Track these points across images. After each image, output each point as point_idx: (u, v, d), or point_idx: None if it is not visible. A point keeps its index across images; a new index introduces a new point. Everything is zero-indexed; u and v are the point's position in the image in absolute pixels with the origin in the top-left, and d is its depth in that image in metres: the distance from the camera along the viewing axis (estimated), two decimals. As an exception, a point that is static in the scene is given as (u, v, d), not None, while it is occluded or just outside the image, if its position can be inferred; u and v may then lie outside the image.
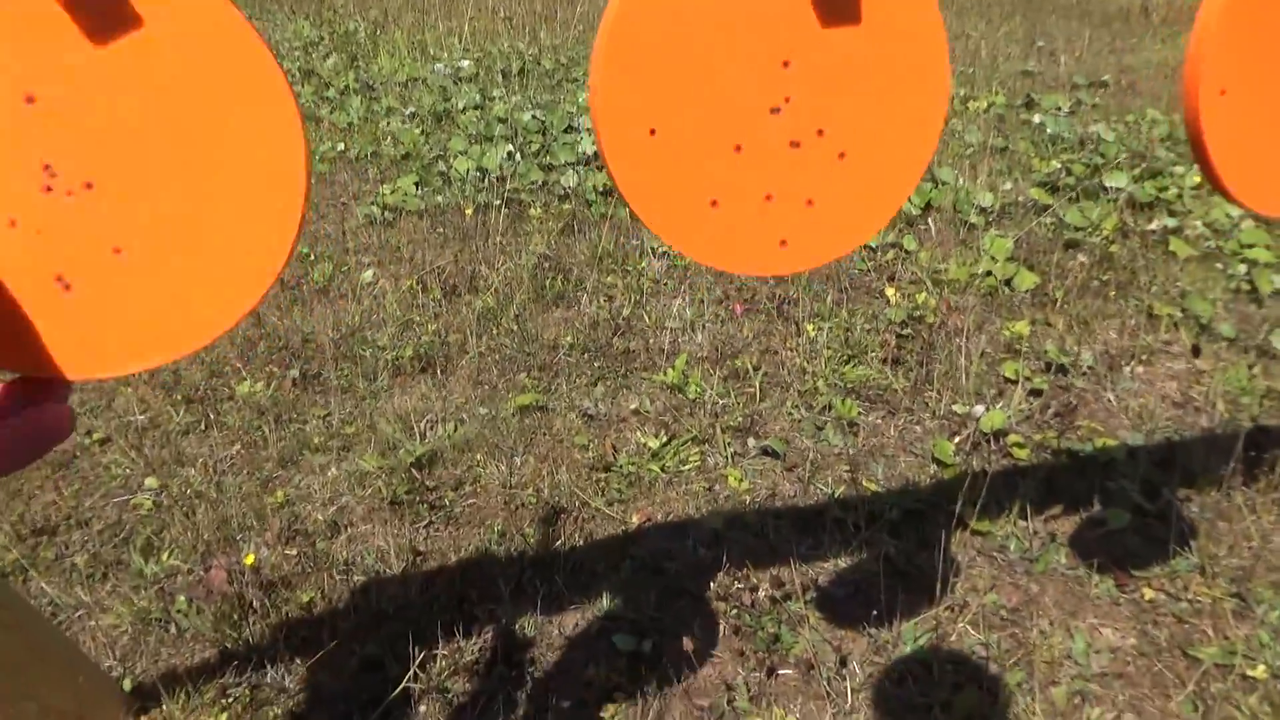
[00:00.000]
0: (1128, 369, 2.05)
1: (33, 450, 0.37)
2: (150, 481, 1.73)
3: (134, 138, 0.42)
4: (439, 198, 3.12)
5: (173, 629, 1.41)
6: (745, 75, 0.67)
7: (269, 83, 0.45)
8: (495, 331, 2.28)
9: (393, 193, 3.14)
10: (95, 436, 1.87)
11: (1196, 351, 2.02)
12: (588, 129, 3.69)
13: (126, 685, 1.30)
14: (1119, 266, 2.51)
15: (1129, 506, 1.60)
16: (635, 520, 1.62)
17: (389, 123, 3.92)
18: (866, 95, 0.70)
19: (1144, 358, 2.09)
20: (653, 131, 0.67)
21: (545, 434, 1.87)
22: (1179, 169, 3.11)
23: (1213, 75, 0.69)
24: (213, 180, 0.43)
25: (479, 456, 1.79)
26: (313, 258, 2.72)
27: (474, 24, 5.65)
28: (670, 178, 0.69)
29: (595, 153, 3.42)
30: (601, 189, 3.14)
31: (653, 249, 2.69)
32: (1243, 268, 2.45)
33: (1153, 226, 2.71)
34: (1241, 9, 0.68)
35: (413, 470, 1.75)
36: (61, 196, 0.40)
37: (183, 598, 1.45)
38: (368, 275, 2.57)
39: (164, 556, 1.55)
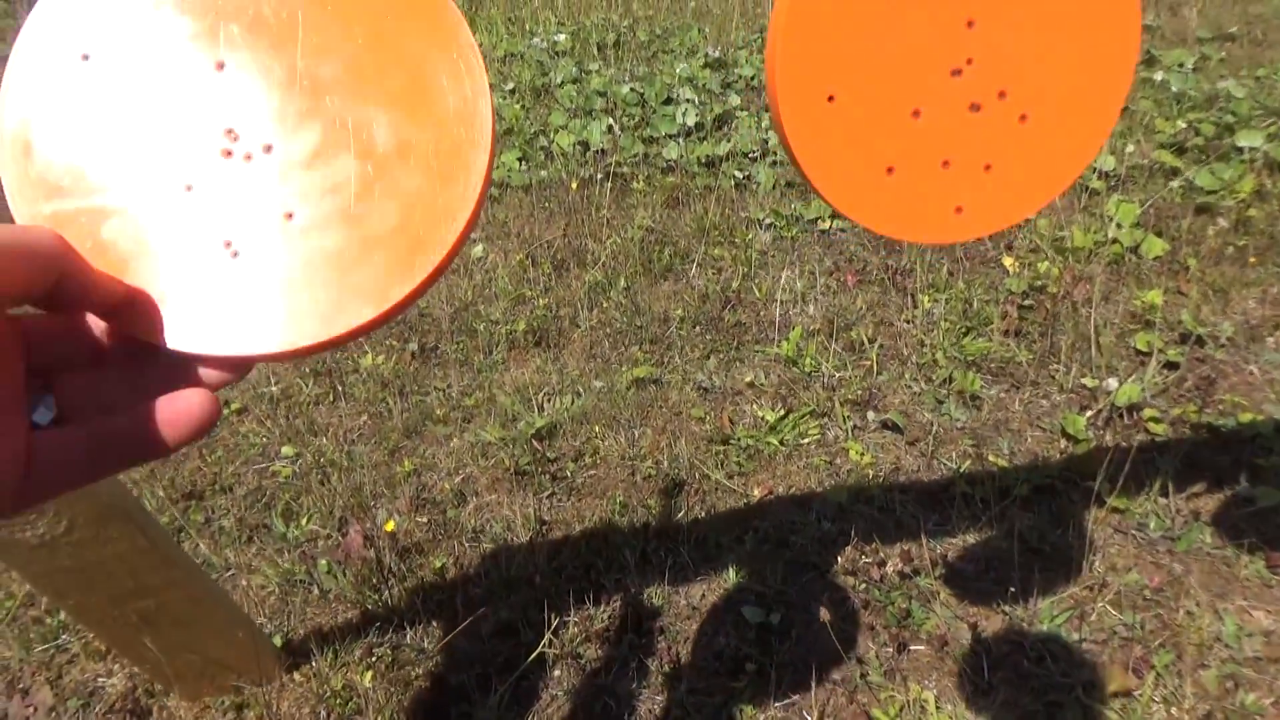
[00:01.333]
0: (1271, 340, 1.95)
1: (178, 437, 0.34)
2: (286, 450, 1.80)
3: (316, 97, 0.40)
4: (543, 172, 3.14)
5: (316, 590, 1.48)
6: (928, 37, 0.65)
7: (458, 42, 0.42)
8: (605, 305, 2.30)
9: (497, 169, 3.18)
10: (233, 407, 1.95)
11: None
12: (687, 100, 3.66)
13: (277, 642, 1.37)
14: (1257, 231, 2.38)
15: (1279, 484, 1.52)
16: (757, 493, 1.62)
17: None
18: (1051, 54, 0.67)
19: (1288, 328, 1.98)
20: (831, 98, 0.66)
21: (661, 407, 1.88)
22: (1320, 127, 2.91)
23: None
24: (395, 145, 0.40)
25: (597, 429, 1.81)
26: (424, 234, 2.78)
27: (569, -3, 5.65)
28: (848, 145, 0.67)
29: (696, 124, 3.40)
30: (704, 160, 3.11)
31: (759, 220, 2.66)
32: (1396, 231, 2.29)
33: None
34: None
35: (533, 442, 1.78)
36: (240, 161, 0.39)
37: (324, 561, 1.51)
38: (478, 250, 2.62)
39: (303, 521, 1.62)
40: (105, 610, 1.13)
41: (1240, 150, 2.83)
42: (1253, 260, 2.22)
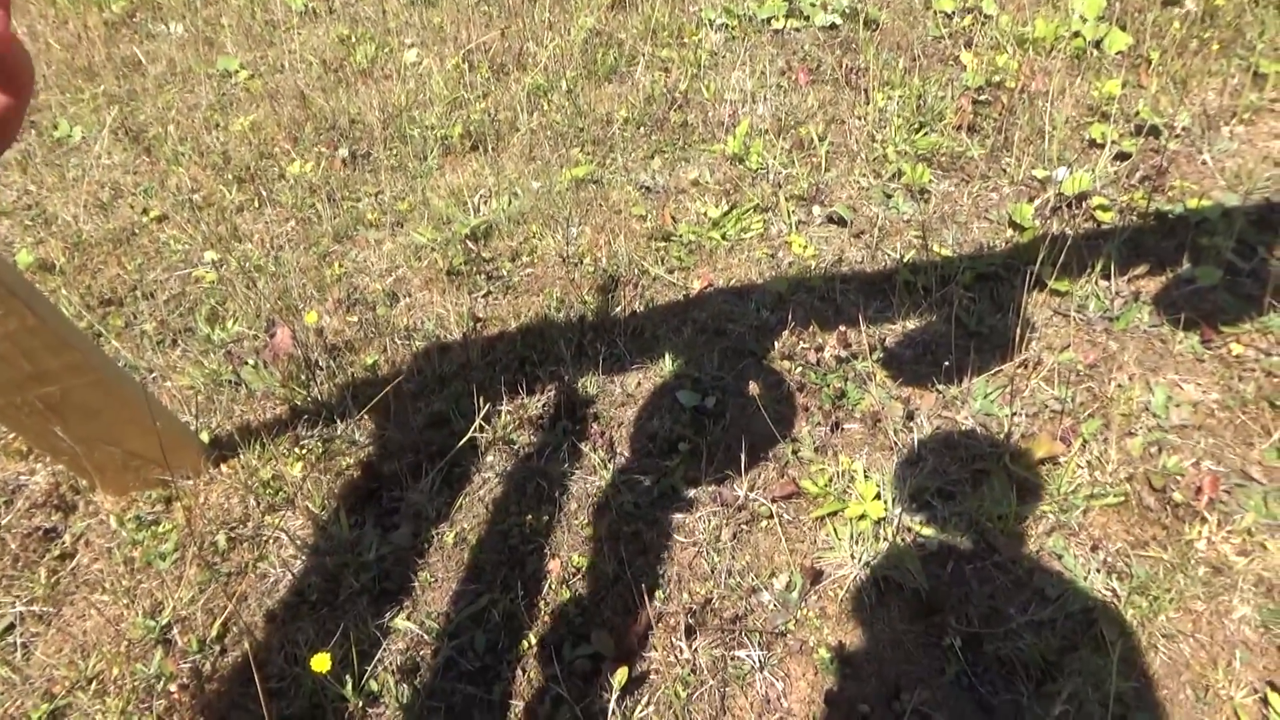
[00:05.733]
0: (1226, 129, 1.89)
1: None
2: (209, 255, 1.73)
3: None
4: (482, -26, 2.93)
5: (243, 389, 1.44)
6: None
7: None
8: (546, 108, 2.18)
9: (433, -30, 2.96)
10: (152, 214, 1.86)
11: None
12: (637, -104, 3.39)
13: (204, 437, 1.34)
14: (1223, 24, 2.28)
15: (1220, 264, 1.51)
16: (696, 286, 1.58)
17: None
18: None
19: (1246, 117, 1.92)
20: None
21: (601, 205, 1.81)
22: (1300, -84, 2.76)
23: None
24: None
25: (534, 228, 1.75)
26: (353, 39, 2.61)
27: None
28: None
29: (646, -79, 3.16)
30: (654, -41, 2.91)
31: (710, 20, 2.52)
32: (1365, 20, 2.21)
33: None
34: None
35: (468, 242, 1.71)
36: None
37: (251, 361, 1.47)
38: (411, 55, 2.46)
39: (229, 324, 1.57)
40: (6, 398, 1.08)
41: (1215, -59, 2.69)
42: (1216, 48, 2.14)
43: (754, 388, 1.30)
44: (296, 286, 1.63)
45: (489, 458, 1.30)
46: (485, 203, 1.84)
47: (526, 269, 1.66)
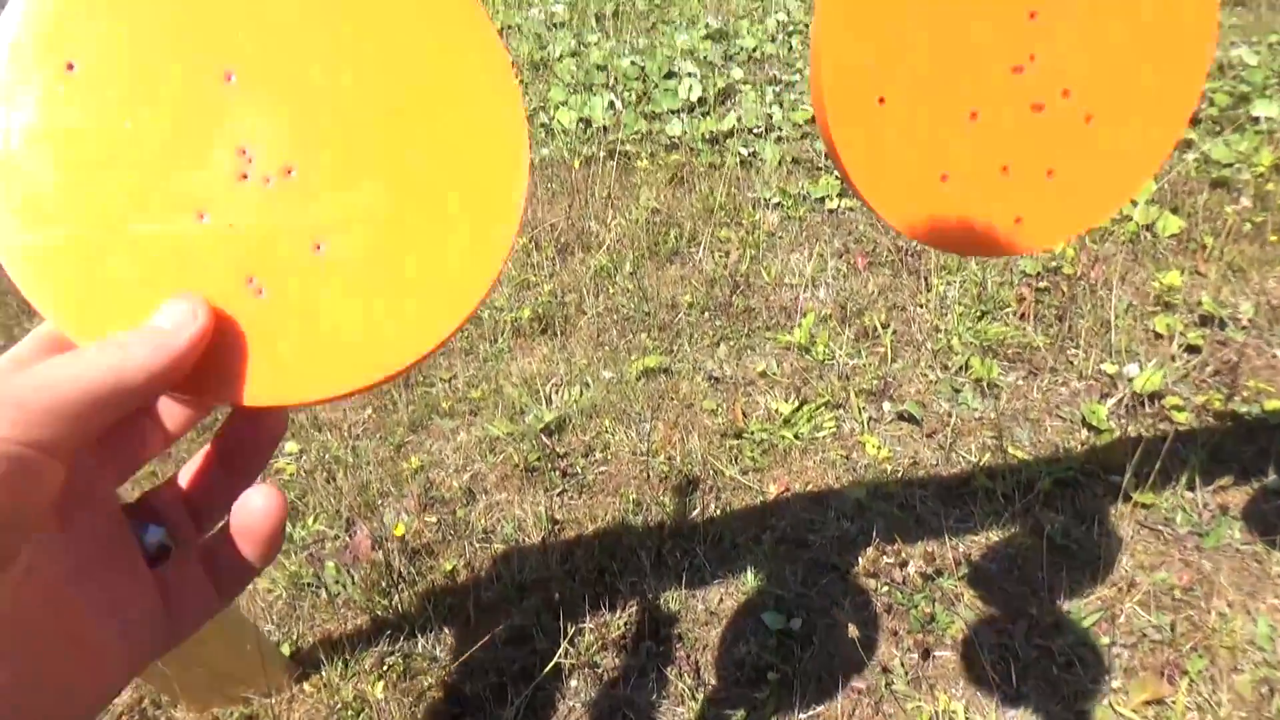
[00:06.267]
0: (1294, 322, 1.91)
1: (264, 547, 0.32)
2: (290, 446, 1.76)
3: (338, 113, 0.36)
4: (545, 150, 3.08)
5: (324, 594, 1.44)
6: (987, 31, 0.59)
7: (486, 46, 0.38)
8: (611, 290, 2.25)
9: (497, 146, 3.11)
10: (233, 403, 1.91)
11: None
12: (689, 73, 3.58)
13: (285, 650, 1.34)
14: (1276, 207, 2.33)
15: (1308, 476, 1.49)
16: (772, 490, 1.58)
17: (487, 73, 3.87)
18: (1119, 50, 0.61)
19: (1311, 310, 1.94)
20: (882, 100, 0.60)
21: (672, 398, 1.84)
22: (1338, 96, 2.85)
23: None
24: (424, 163, 0.37)
25: (607, 422, 1.77)
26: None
27: (564, -35, 5.53)
28: (899, 151, 0.62)
29: (699, 99, 3.33)
30: (708, 136, 3.05)
31: (765, 200, 2.61)
32: None
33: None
34: None
35: (542, 436, 1.74)
36: (258, 184, 0.34)
37: (332, 564, 1.48)
38: (479, 233, 2.56)
39: (309, 522, 1.58)
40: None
41: (1256, 120, 2.78)
42: (1273, 239, 2.17)
43: (852, 629, 1.29)
44: (375, 481, 1.66)
45: (573, 682, 1.28)
46: (557, 392, 1.88)
47: (600, 466, 1.67)
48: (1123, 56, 0.62)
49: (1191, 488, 1.50)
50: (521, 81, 3.75)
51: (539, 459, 1.68)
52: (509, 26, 4.53)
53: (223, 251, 0.34)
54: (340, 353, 0.35)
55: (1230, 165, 2.54)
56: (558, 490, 1.63)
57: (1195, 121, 2.87)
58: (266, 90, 0.35)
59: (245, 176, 0.34)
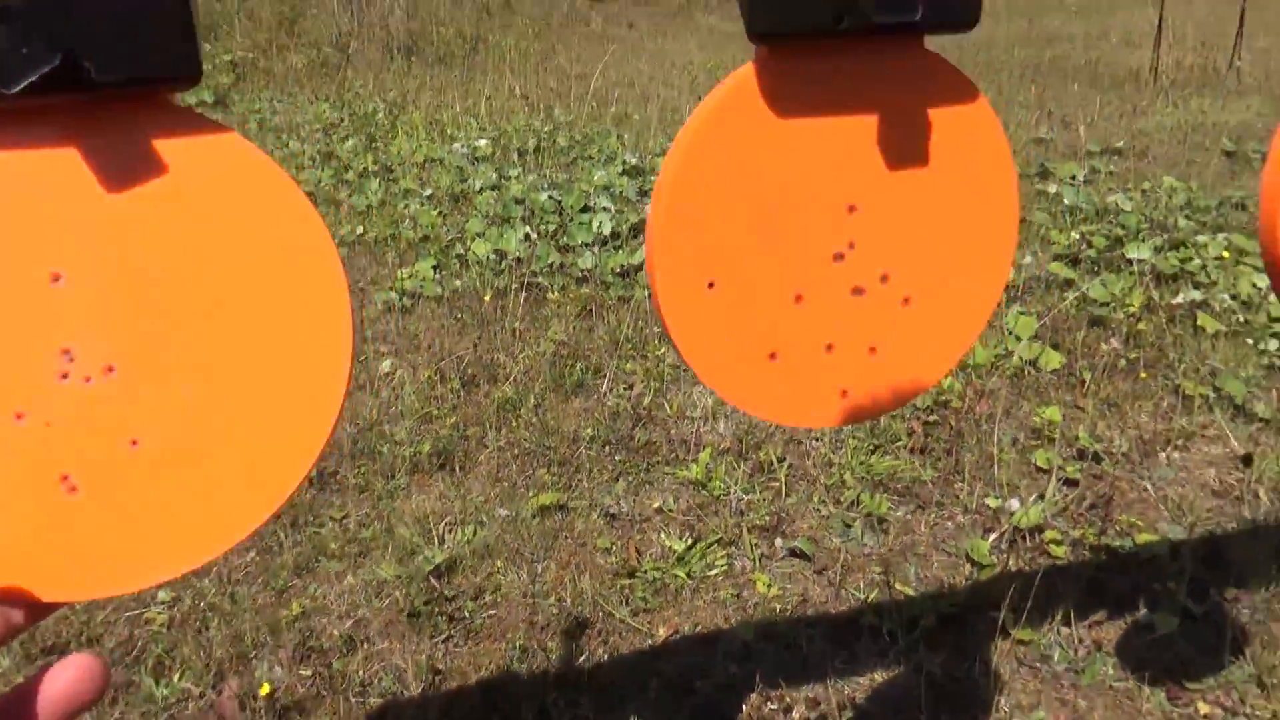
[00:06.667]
0: (1163, 455, 1.99)
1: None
2: (163, 594, 1.69)
3: (161, 310, 0.37)
4: (457, 282, 3.12)
5: (184, 759, 1.36)
6: (809, 222, 0.64)
7: (310, 237, 0.40)
8: (515, 424, 2.25)
9: (410, 277, 3.15)
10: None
11: (1248, 461, 1.95)
12: (604, 208, 3.70)
13: (135, 825, 1.25)
14: (1147, 344, 2.47)
15: (1176, 609, 1.53)
16: (662, 632, 1.56)
17: (407, 205, 3.95)
18: (932, 238, 0.66)
19: (1179, 443, 2.03)
20: (711, 284, 0.64)
21: (567, 537, 1.83)
22: (1201, 238, 3.07)
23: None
24: (245, 356, 0.38)
25: (499, 563, 1.75)
26: (331, 348, 2.71)
27: (490, 102, 5.74)
28: (729, 332, 0.65)
29: (613, 233, 3.43)
30: (619, 270, 3.13)
31: (671, 333, 2.67)
32: (1274, 343, 2.39)
33: (1179, 300, 2.67)
34: None
35: (431, 579, 1.70)
36: (79, 383, 0.35)
37: (195, 725, 1.40)
38: (385, 365, 2.56)
39: (175, 678, 1.51)
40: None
41: (1130, 262, 2.97)
42: (1143, 375, 2.30)
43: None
44: (251, 630, 1.59)
45: None
46: (451, 532, 1.85)
47: (489, 610, 1.64)
48: (936, 245, 0.67)
49: (1068, 623, 1.53)
50: (441, 213, 3.83)
51: (426, 603, 1.64)
52: (432, 159, 4.65)
53: (37, 451, 0.35)
54: (147, 547, 0.36)
55: (1106, 304, 2.69)
56: (443, 636, 1.58)
57: (1076, 262, 3.06)
58: (94, 291, 0.36)
59: (66, 376, 0.35)
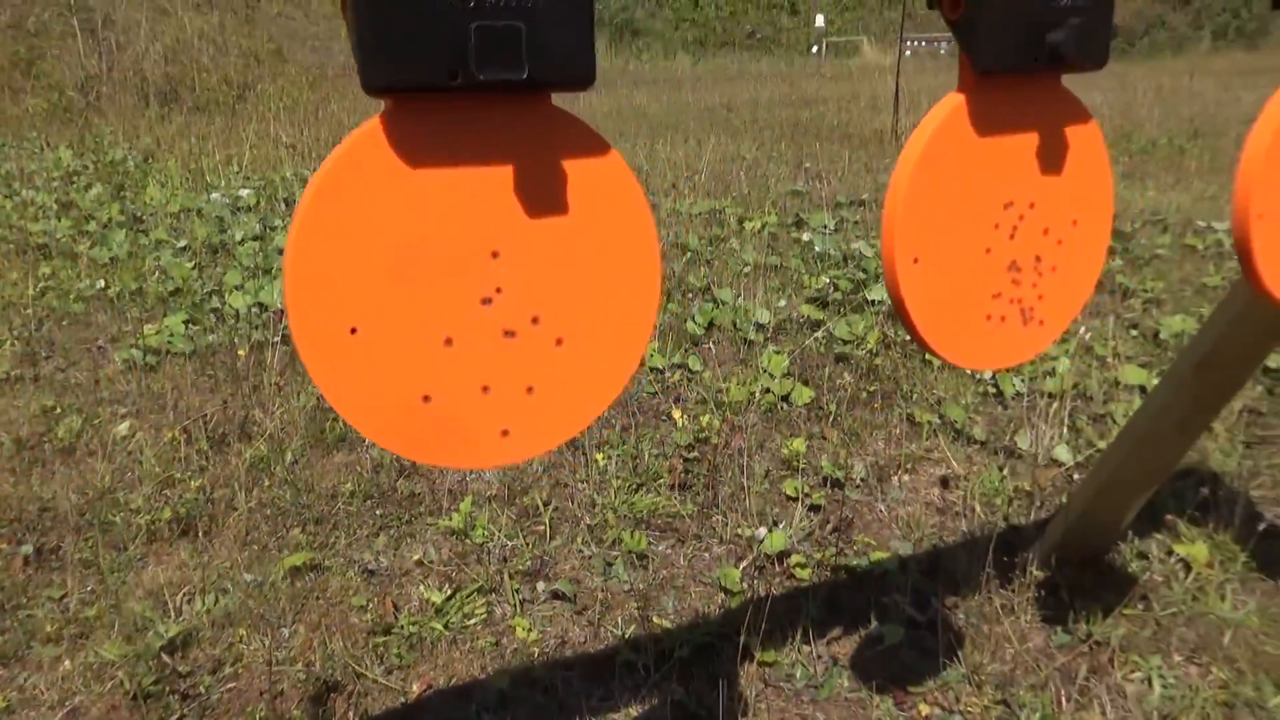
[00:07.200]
0: (895, 478, 2.17)
1: None
2: None
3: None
4: (211, 337, 2.94)
5: None
6: (452, 267, 0.65)
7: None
8: (268, 483, 2.14)
9: (157, 333, 2.94)
10: None
11: (945, 484, 2.16)
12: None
13: None
14: (883, 377, 2.69)
15: (902, 620, 1.66)
16: (415, 689, 1.51)
17: (158, 257, 3.70)
18: (580, 282, 0.70)
19: (909, 466, 2.22)
20: (354, 330, 0.64)
21: (319, 597, 1.74)
22: (930, 282, 3.40)
23: (905, 245, 0.75)
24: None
25: (241, 631, 1.64)
26: (59, 411, 2.48)
27: (255, 151, 5.50)
28: (376, 376, 0.65)
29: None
30: (387, 321, 3.06)
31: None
32: (989, 372, 2.67)
33: (909, 337, 2.93)
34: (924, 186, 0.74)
35: (163, 655, 1.57)
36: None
37: None
38: (123, 428, 2.36)
39: None
40: None
41: (870, 303, 3.23)
42: (879, 405, 2.50)
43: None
44: (-60, 734, 1.40)
45: None
46: (189, 602, 1.72)
47: (229, 683, 1.53)
48: (583, 288, 0.70)
49: (808, 641, 1.62)
50: (196, 265, 3.61)
51: (156, 682, 1.51)
52: (188, 209, 4.38)
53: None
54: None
55: (849, 342, 2.92)
56: (174, 717, 1.46)
57: (825, 304, 3.30)
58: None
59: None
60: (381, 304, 0.62)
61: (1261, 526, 1.78)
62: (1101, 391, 2.52)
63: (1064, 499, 2.01)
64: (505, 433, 0.69)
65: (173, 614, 1.68)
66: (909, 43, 9.11)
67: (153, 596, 1.73)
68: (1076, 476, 2.13)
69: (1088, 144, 0.80)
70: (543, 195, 0.66)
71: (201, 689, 1.51)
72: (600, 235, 0.69)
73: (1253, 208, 0.87)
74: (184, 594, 1.74)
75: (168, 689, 1.50)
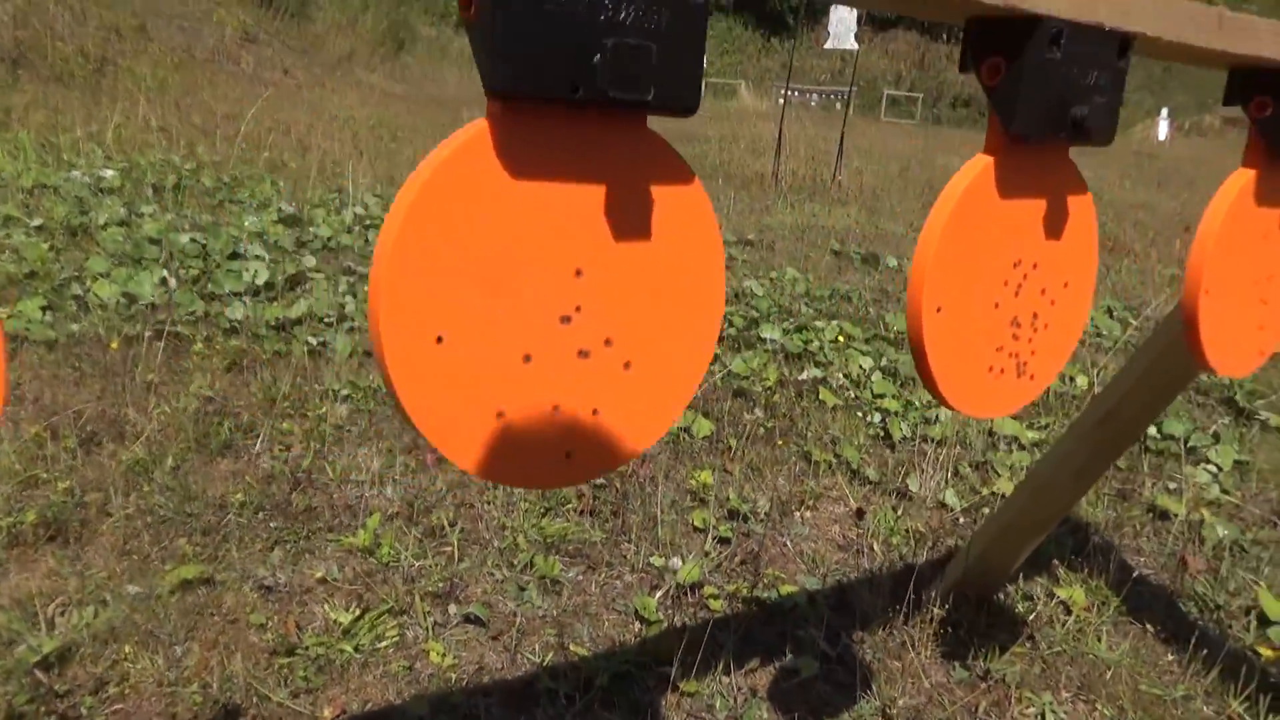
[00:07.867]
0: (798, 514, 2.23)
1: None
2: None
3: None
4: (74, 326, 2.71)
5: None
6: (539, 282, 0.63)
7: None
8: (147, 488, 1.98)
9: (11, 317, 2.69)
10: None
11: (861, 514, 2.24)
12: (256, 256, 3.44)
13: None
14: (781, 414, 2.76)
15: (816, 654, 1.70)
16: (327, 714, 1.43)
17: (9, 234, 3.39)
18: (652, 306, 0.69)
19: (810, 502, 2.29)
20: (440, 339, 0.61)
21: (214, 613, 1.62)
22: (819, 323, 3.53)
23: (932, 294, 0.78)
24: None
25: (128, 648, 1.50)
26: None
27: (120, 131, 5.14)
28: (456, 389, 0.62)
29: (267, 283, 3.19)
30: (275, 323, 2.91)
31: (335, 391, 2.52)
32: (878, 416, 2.80)
33: (804, 376, 3.03)
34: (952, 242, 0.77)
35: (37, 672, 1.42)
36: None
37: None
38: (-25, 419, 2.14)
39: None
40: None
41: (764, 340, 3.32)
42: (780, 442, 2.56)
43: None
44: None
45: None
46: (64, 615, 1.57)
47: (114, 704, 1.40)
48: (654, 314, 0.70)
49: (728, 672, 1.63)
50: (53, 247, 3.33)
51: (30, 701, 1.37)
52: (43, 185, 4.05)
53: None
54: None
55: (747, 378, 2.99)
56: (51, 742, 1.32)
57: (721, 339, 3.36)
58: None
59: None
60: (469, 314, 0.60)
61: (1134, 575, 1.93)
62: (979, 440, 2.68)
63: (955, 541, 2.12)
64: (569, 454, 0.68)
65: (44, 627, 1.53)
66: (786, 92, 9.53)
67: (19, 606, 1.56)
68: (962, 520, 2.25)
69: (1084, 213, 0.86)
70: (630, 218, 0.66)
71: (83, 710, 1.38)
72: (675, 262, 0.69)
73: (1202, 284, 0.95)
74: (57, 605, 1.58)
75: (43, 709, 1.36)
